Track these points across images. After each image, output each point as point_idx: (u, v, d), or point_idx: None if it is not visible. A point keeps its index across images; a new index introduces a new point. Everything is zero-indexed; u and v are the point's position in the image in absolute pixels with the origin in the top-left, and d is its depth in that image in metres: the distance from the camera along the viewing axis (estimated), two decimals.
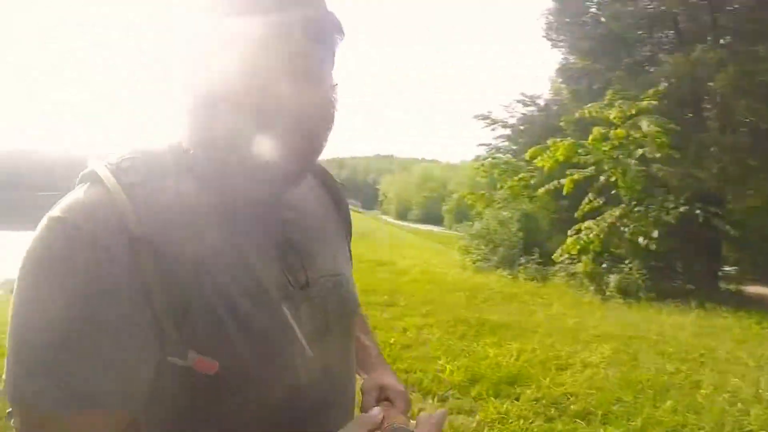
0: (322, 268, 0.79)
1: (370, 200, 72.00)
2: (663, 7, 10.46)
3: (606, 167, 9.16)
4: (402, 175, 65.43)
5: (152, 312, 0.59)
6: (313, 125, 0.67)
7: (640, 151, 8.80)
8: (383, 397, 0.85)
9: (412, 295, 7.35)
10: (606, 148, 9.23)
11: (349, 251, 0.93)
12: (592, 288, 8.75)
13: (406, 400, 0.86)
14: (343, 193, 0.94)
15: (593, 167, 9.41)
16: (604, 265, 8.94)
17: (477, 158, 15.74)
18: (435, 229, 35.32)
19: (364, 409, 0.81)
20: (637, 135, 8.80)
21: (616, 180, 8.97)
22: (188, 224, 0.64)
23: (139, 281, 0.58)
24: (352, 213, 0.98)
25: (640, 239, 8.40)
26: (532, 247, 10.68)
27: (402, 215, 54.12)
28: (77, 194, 0.61)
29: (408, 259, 12.42)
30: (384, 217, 53.67)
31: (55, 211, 0.59)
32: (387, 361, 1.03)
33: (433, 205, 43.94)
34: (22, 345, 0.56)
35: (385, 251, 13.80)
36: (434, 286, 8.50)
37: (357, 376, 0.89)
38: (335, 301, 0.79)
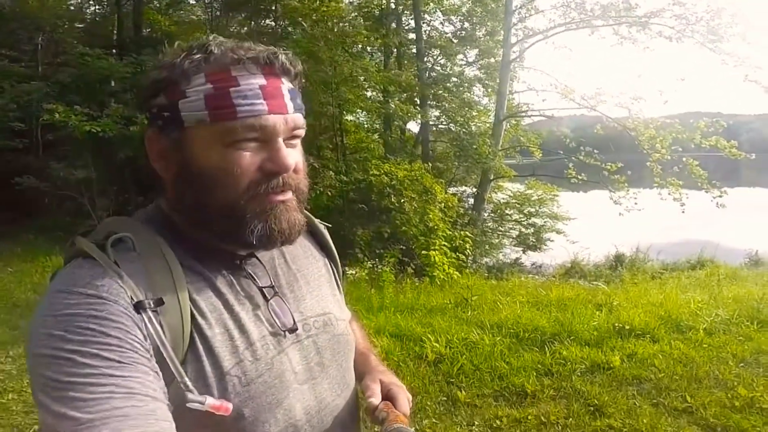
0: (310, 309, 0.87)
1: None
2: None
3: None
4: None
5: (160, 361, 0.66)
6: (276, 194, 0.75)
7: None
8: (385, 390, 0.88)
9: None
10: None
11: (339, 289, 1.00)
12: None
13: (407, 396, 0.89)
14: (327, 237, 1.01)
15: None
16: None
17: None
18: None
19: (368, 397, 0.86)
20: None
21: None
22: (184, 289, 0.71)
23: (143, 331, 0.65)
24: None
25: None
26: None
27: None
28: (73, 270, 0.67)
29: None
30: None
31: (59, 286, 0.66)
32: None
33: None
34: (56, 402, 0.59)
35: None
36: None
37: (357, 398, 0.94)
38: (326, 339, 0.87)
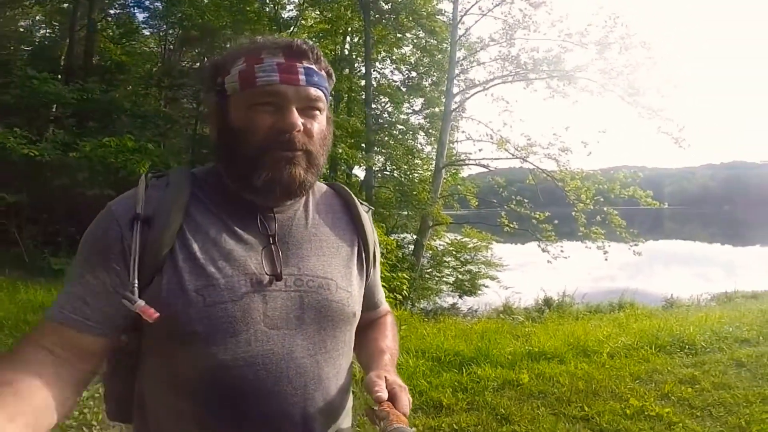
0: (310, 268, 0.94)
1: None
2: None
3: None
4: None
5: (126, 266, 0.84)
6: (292, 150, 0.88)
7: None
8: (388, 389, 0.87)
9: None
10: None
11: (360, 270, 1.04)
12: None
13: (408, 398, 0.89)
14: (364, 219, 1.07)
15: None
16: None
17: None
18: None
19: (372, 391, 0.86)
20: None
21: None
22: (180, 213, 0.88)
23: (125, 243, 0.85)
24: None
25: None
26: None
27: None
28: (129, 191, 0.93)
29: None
30: None
31: (114, 200, 0.92)
32: None
33: None
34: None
35: None
36: None
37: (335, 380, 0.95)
38: (315, 299, 0.92)
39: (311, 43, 0.92)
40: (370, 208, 1.12)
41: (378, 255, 1.12)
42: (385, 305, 1.21)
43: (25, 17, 14.52)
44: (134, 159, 9.06)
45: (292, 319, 0.89)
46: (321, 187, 1.07)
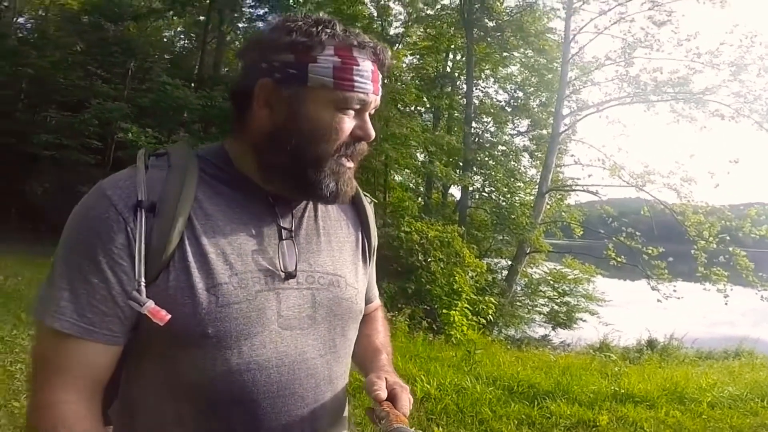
0: (321, 264, 0.90)
1: None
2: None
3: None
4: None
5: (132, 261, 0.75)
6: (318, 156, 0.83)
7: None
8: (389, 390, 0.85)
9: None
10: None
11: (364, 263, 1.02)
12: None
13: (409, 398, 0.87)
14: (368, 212, 1.05)
15: None
16: None
17: None
18: None
19: (372, 391, 0.84)
20: None
21: None
22: (189, 201, 0.79)
23: (130, 234, 0.75)
24: None
25: None
26: None
27: None
28: (122, 171, 0.83)
29: None
30: None
31: (103, 181, 0.82)
32: None
33: None
34: (50, 273, 0.78)
35: None
36: None
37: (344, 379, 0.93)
38: (327, 296, 0.89)
39: (387, 50, 0.88)
40: (372, 200, 1.10)
41: (376, 248, 1.09)
42: (377, 300, 1.19)
43: (168, 28, 16.26)
44: None
45: (304, 318, 0.86)
46: None
